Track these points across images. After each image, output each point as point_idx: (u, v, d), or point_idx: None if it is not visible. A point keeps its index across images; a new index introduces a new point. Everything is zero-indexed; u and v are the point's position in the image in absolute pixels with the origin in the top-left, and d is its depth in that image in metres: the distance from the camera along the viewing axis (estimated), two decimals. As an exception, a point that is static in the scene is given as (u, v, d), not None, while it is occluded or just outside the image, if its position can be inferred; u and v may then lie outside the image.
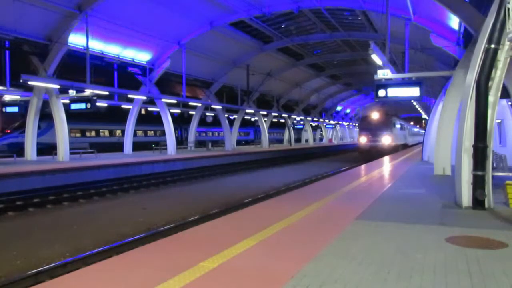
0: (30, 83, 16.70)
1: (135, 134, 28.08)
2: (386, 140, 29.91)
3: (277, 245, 4.86)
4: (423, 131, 56.43)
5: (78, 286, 3.60)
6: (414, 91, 11.55)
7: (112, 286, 3.60)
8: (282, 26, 24.91)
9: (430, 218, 6.41)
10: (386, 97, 11.73)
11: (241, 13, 20.78)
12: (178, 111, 34.88)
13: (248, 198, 13.10)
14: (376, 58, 11.58)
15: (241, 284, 3.63)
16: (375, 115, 31.51)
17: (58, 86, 18.00)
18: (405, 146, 37.05)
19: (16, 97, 19.64)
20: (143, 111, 35.39)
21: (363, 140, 30.96)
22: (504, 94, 9.14)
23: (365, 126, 31.59)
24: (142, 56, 22.92)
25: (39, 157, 20.09)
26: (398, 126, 33.25)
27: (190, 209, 11.56)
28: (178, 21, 20.72)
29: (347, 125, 68.06)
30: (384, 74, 11.86)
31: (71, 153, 19.89)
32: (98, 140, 31.89)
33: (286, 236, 5.31)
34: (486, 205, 7.11)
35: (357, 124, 37.80)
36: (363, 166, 17.26)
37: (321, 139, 60.71)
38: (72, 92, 17.75)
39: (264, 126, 38.16)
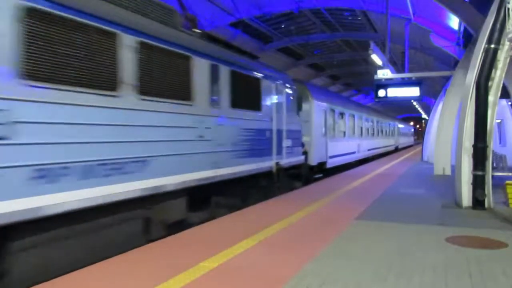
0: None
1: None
2: None
3: (277, 245, 4.86)
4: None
5: (78, 286, 3.60)
6: (414, 91, 11.61)
7: (112, 286, 3.60)
8: (282, 26, 24.89)
9: (430, 218, 6.41)
10: (386, 97, 11.78)
11: (241, 13, 20.77)
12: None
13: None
14: (376, 58, 11.58)
15: (241, 284, 3.63)
16: None
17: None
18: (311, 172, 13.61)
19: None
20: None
21: None
22: (504, 94, 9.17)
23: None
24: (142, 56, 22.88)
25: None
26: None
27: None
28: (178, 21, 20.69)
29: None
30: (384, 74, 11.90)
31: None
32: None
33: (286, 236, 5.31)
34: (486, 205, 7.11)
35: None
36: (363, 166, 17.16)
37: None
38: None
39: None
